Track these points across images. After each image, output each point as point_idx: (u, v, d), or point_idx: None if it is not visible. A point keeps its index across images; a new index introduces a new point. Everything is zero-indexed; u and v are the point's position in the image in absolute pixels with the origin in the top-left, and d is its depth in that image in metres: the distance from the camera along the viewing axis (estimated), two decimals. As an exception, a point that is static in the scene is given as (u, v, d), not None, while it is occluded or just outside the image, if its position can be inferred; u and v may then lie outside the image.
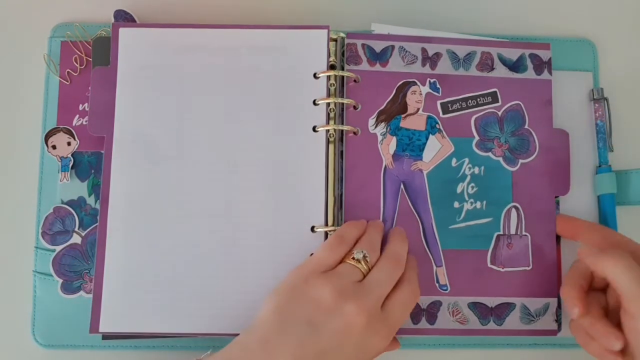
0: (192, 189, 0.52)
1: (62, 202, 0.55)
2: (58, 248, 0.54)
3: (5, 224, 0.56)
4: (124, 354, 0.54)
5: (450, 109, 0.55)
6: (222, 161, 0.53)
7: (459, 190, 0.54)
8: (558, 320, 0.53)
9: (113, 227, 0.52)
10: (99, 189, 0.53)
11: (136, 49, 0.54)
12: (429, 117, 0.55)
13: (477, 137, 0.55)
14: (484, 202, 0.54)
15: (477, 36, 0.56)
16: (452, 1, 0.60)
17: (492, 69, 0.55)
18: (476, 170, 0.54)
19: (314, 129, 0.53)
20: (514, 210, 0.54)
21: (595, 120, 0.57)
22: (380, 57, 0.55)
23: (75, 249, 0.54)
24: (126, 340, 0.53)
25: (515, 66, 0.55)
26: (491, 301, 0.53)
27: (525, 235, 0.54)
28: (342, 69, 0.54)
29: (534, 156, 0.55)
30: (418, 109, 0.54)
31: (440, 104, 0.55)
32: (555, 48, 0.57)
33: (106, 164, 0.52)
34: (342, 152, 0.54)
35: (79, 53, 0.56)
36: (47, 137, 0.55)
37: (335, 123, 0.53)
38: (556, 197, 0.55)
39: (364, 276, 0.47)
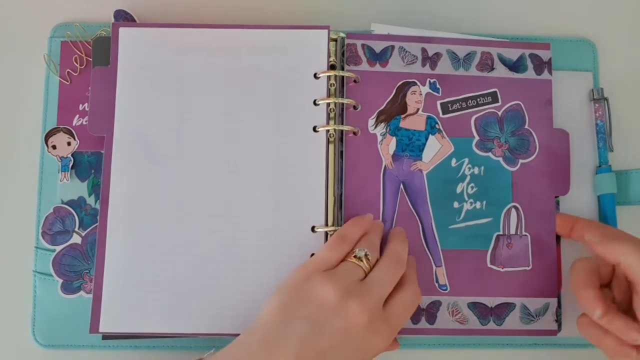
0: (192, 189, 0.52)
1: (62, 202, 0.55)
2: (58, 248, 0.54)
3: (5, 224, 0.56)
4: (124, 354, 0.54)
5: (450, 109, 0.55)
6: (222, 161, 0.53)
7: (458, 190, 0.54)
8: (558, 321, 0.53)
9: (113, 227, 0.52)
10: (99, 189, 0.53)
11: (136, 48, 0.54)
12: (428, 117, 0.55)
13: (477, 137, 0.55)
14: (484, 202, 0.54)
15: (477, 36, 0.57)
16: (452, 1, 0.60)
17: (492, 69, 0.55)
18: (476, 170, 0.54)
19: (314, 129, 0.53)
20: (513, 210, 0.54)
21: (595, 120, 0.57)
22: (380, 57, 0.55)
23: (75, 249, 0.54)
24: (126, 340, 0.53)
25: (516, 66, 0.55)
26: (491, 301, 0.53)
27: (525, 235, 0.54)
28: (342, 69, 0.54)
29: (534, 156, 0.55)
30: (418, 109, 0.55)
31: (440, 104, 0.55)
32: (555, 48, 0.57)
33: (106, 164, 0.52)
34: (341, 152, 0.54)
35: (79, 53, 0.56)
36: (47, 137, 0.55)
37: (335, 123, 0.53)
38: (556, 197, 0.55)
39: (366, 275, 0.47)
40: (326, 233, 0.52)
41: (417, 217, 0.53)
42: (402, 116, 0.54)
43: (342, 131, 0.54)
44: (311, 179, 0.52)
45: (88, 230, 0.54)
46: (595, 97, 0.57)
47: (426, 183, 0.54)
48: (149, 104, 0.53)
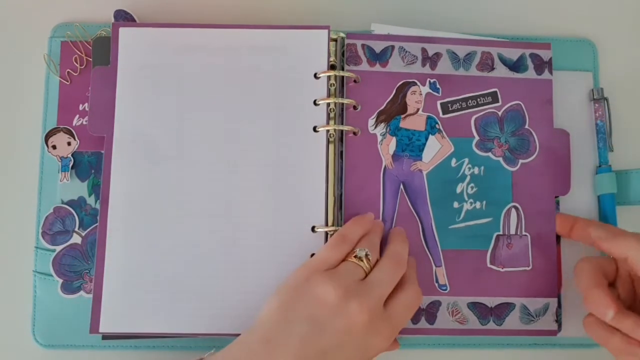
0: (192, 189, 0.52)
1: (62, 202, 0.55)
2: (58, 248, 0.54)
3: (5, 224, 0.56)
4: (124, 354, 0.54)
5: (450, 109, 0.55)
6: (222, 161, 0.52)
7: (458, 190, 0.54)
8: (558, 321, 0.53)
9: (113, 227, 0.52)
10: (99, 189, 0.53)
11: (136, 48, 0.54)
12: (428, 118, 0.55)
13: (477, 137, 0.55)
14: (484, 202, 0.54)
15: (477, 36, 0.56)
16: (452, 1, 0.60)
17: (493, 68, 0.55)
18: (476, 170, 0.54)
19: (314, 129, 0.53)
20: (513, 210, 0.54)
21: (595, 120, 0.57)
22: (380, 57, 0.55)
23: (75, 249, 0.54)
24: (126, 340, 0.53)
25: (516, 66, 0.55)
26: (491, 301, 0.53)
27: (525, 235, 0.54)
28: (342, 69, 0.54)
29: (534, 156, 0.55)
30: (418, 109, 0.55)
31: (440, 104, 0.55)
32: (556, 48, 0.56)
33: (106, 164, 0.52)
34: (341, 152, 0.54)
35: (79, 53, 0.56)
36: (47, 137, 0.55)
37: (335, 123, 0.53)
38: (556, 197, 0.55)
39: (366, 275, 0.47)
40: (326, 233, 0.52)
41: (417, 217, 0.53)
42: (402, 116, 0.54)
43: (342, 131, 0.53)
44: (311, 179, 0.52)
45: (88, 230, 0.54)
46: (595, 97, 0.57)
47: (426, 183, 0.54)
48: (149, 104, 0.53)
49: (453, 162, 0.54)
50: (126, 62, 0.54)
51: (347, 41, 0.55)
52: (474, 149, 0.54)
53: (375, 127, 0.54)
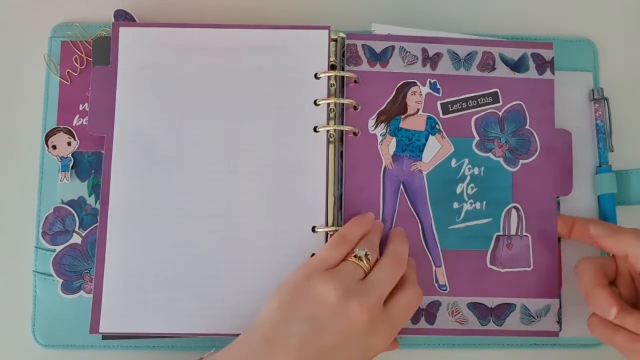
0: (192, 189, 0.52)
1: (62, 202, 0.55)
2: (58, 248, 0.54)
3: (5, 224, 0.56)
4: (124, 354, 0.54)
5: (450, 109, 0.54)
6: (223, 161, 0.52)
7: (458, 190, 0.54)
8: (559, 322, 0.53)
9: (113, 227, 0.51)
10: (99, 189, 0.52)
11: (136, 48, 0.54)
12: (428, 118, 0.54)
13: (477, 138, 0.54)
14: (484, 203, 0.54)
15: (478, 36, 0.56)
16: (452, 1, 0.60)
17: (493, 68, 0.55)
18: (476, 170, 0.54)
19: (314, 129, 0.53)
20: (514, 210, 0.54)
21: (595, 120, 0.57)
22: (380, 57, 0.55)
23: (76, 249, 0.54)
24: (126, 340, 0.53)
25: (517, 66, 0.55)
26: (491, 301, 0.53)
27: (526, 235, 0.53)
28: (342, 69, 0.54)
29: (535, 156, 0.54)
30: (418, 110, 0.54)
31: (441, 104, 0.54)
32: (556, 48, 0.56)
33: (106, 164, 0.52)
34: (342, 152, 0.53)
35: (79, 53, 0.56)
36: (47, 137, 0.55)
37: (335, 123, 0.53)
38: (557, 197, 0.55)
39: (366, 275, 0.47)
40: (326, 233, 0.52)
41: (416, 217, 0.53)
42: (402, 116, 0.54)
43: (342, 131, 0.53)
44: (312, 179, 0.52)
45: (88, 230, 0.54)
46: (595, 97, 0.57)
47: (426, 183, 0.54)
48: (149, 104, 0.53)
49: (453, 163, 0.54)
50: (126, 62, 0.54)
51: (347, 41, 0.55)
52: (474, 149, 0.54)
53: (376, 128, 0.54)
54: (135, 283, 0.51)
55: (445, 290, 0.53)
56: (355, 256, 0.48)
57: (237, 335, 0.47)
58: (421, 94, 0.54)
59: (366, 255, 0.48)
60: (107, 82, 0.53)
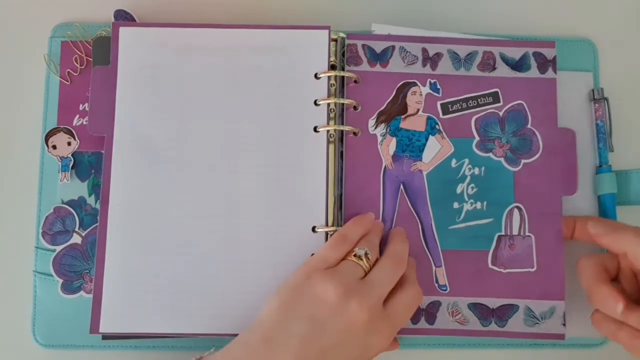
0: (192, 189, 0.52)
1: (63, 202, 0.54)
2: (58, 248, 0.54)
3: (5, 224, 0.56)
4: (124, 354, 0.54)
5: (450, 109, 0.54)
6: (223, 161, 0.52)
7: (458, 190, 0.53)
8: (565, 324, 0.52)
9: (113, 227, 0.51)
10: (99, 189, 0.52)
11: (136, 48, 0.53)
12: (428, 118, 0.54)
13: (477, 138, 0.54)
14: (485, 203, 0.53)
15: (478, 36, 0.56)
16: (452, 1, 0.59)
17: (494, 68, 0.55)
18: (476, 170, 0.54)
19: (314, 129, 0.53)
20: (516, 210, 0.53)
21: (595, 120, 0.57)
22: (380, 57, 0.54)
23: (76, 249, 0.54)
24: (126, 341, 0.53)
25: (518, 65, 0.55)
26: (492, 302, 0.52)
27: (529, 236, 0.53)
28: (342, 69, 0.54)
29: (537, 156, 0.54)
30: (418, 110, 0.54)
31: (441, 104, 0.54)
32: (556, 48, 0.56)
33: (106, 164, 0.52)
34: (342, 152, 0.53)
35: (79, 53, 0.56)
36: (48, 137, 0.55)
37: (335, 123, 0.53)
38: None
39: (366, 274, 0.47)
40: (326, 233, 0.51)
41: (416, 217, 0.53)
42: (402, 117, 0.54)
43: (342, 131, 0.53)
44: (312, 179, 0.52)
45: (88, 230, 0.54)
46: (595, 97, 0.56)
47: (426, 183, 0.53)
48: (149, 104, 0.53)
49: (453, 163, 0.54)
50: (126, 62, 0.53)
51: (347, 41, 0.54)
52: (474, 149, 0.54)
53: (376, 128, 0.54)
54: (135, 283, 0.51)
55: (446, 290, 0.52)
56: (355, 255, 0.48)
57: (237, 335, 0.46)
58: (421, 94, 0.54)
59: (366, 254, 0.48)
60: (107, 82, 0.53)
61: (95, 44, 0.55)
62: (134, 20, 0.56)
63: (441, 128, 0.54)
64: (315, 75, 0.53)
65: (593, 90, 0.57)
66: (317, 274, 0.46)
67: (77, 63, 0.56)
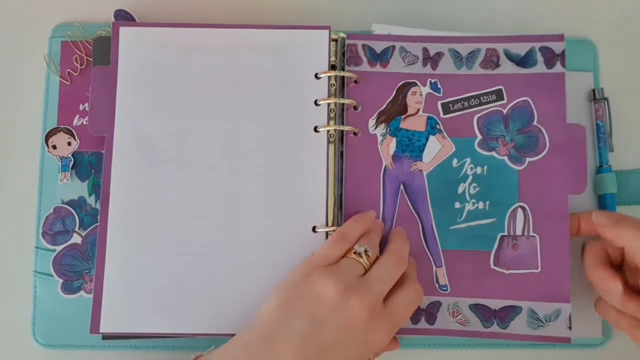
0: (192, 189, 0.51)
1: (63, 202, 0.54)
2: (58, 248, 0.53)
3: (5, 224, 0.55)
4: (124, 354, 0.53)
5: (451, 109, 0.53)
6: (223, 161, 0.52)
7: (460, 190, 0.52)
8: (571, 327, 0.51)
9: (113, 227, 0.51)
10: (99, 189, 0.52)
11: (137, 48, 0.53)
12: (429, 118, 0.53)
13: (479, 137, 0.53)
14: (487, 203, 0.52)
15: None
16: (453, 2, 0.59)
17: (498, 65, 0.53)
18: (478, 170, 0.52)
19: (315, 129, 0.52)
20: (520, 210, 0.52)
21: (596, 120, 0.56)
22: (380, 57, 0.54)
23: (76, 249, 0.53)
24: (126, 341, 0.53)
25: (524, 61, 0.53)
26: (494, 303, 0.51)
27: (533, 236, 0.51)
28: (343, 69, 0.53)
29: (543, 153, 0.52)
30: (418, 110, 0.53)
31: (441, 104, 0.53)
32: (556, 48, 0.55)
33: (106, 164, 0.51)
34: (342, 152, 0.52)
35: (79, 53, 0.55)
36: (48, 137, 0.55)
37: (335, 123, 0.52)
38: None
39: (366, 271, 0.46)
40: (326, 233, 0.51)
41: (417, 217, 0.52)
42: (403, 117, 0.53)
43: (342, 131, 0.52)
44: (312, 179, 0.51)
45: (88, 230, 0.54)
46: (595, 97, 0.56)
47: (426, 183, 0.52)
48: (149, 104, 0.52)
49: (454, 162, 0.53)
50: (126, 62, 0.53)
51: (347, 41, 0.53)
52: (477, 148, 0.53)
53: (376, 128, 0.53)
54: (135, 283, 0.50)
55: (446, 290, 0.51)
56: (355, 253, 0.47)
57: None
58: (421, 94, 0.53)
59: (366, 251, 0.47)
60: (107, 82, 0.53)
61: (95, 44, 0.55)
62: (134, 20, 0.56)
63: (442, 128, 0.53)
64: (316, 75, 0.53)
65: (593, 90, 0.56)
66: (317, 271, 0.46)
67: (77, 63, 0.55)
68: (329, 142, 0.52)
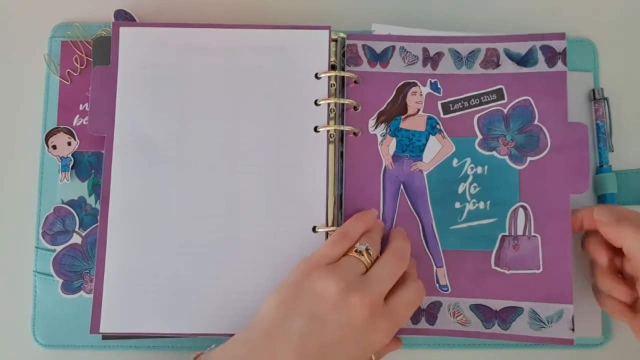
0: (192, 189, 0.51)
1: (63, 202, 0.53)
2: (58, 248, 0.53)
3: (5, 224, 0.55)
4: (124, 354, 0.53)
5: (451, 108, 0.52)
6: (223, 161, 0.51)
7: (460, 190, 0.51)
8: (574, 329, 0.49)
9: (113, 227, 0.50)
10: (99, 189, 0.51)
11: (137, 48, 0.52)
12: (429, 118, 0.52)
13: (480, 136, 0.52)
14: (488, 202, 0.51)
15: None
16: (452, 2, 0.58)
17: (498, 65, 0.52)
18: (479, 169, 0.51)
19: (315, 129, 0.51)
20: (521, 210, 0.51)
21: (595, 120, 0.55)
22: (380, 57, 0.53)
23: (76, 249, 0.53)
24: (126, 341, 0.52)
25: (524, 60, 0.52)
26: (495, 304, 0.50)
27: (535, 236, 0.50)
28: (343, 69, 0.53)
29: (544, 153, 0.51)
30: (418, 110, 0.52)
31: (441, 104, 0.52)
32: (556, 48, 0.55)
33: (106, 164, 0.51)
34: (342, 152, 0.52)
35: (79, 53, 0.55)
36: (48, 137, 0.54)
37: (335, 123, 0.52)
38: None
39: (367, 270, 0.46)
40: (327, 233, 0.50)
41: (417, 217, 0.51)
42: (403, 117, 0.53)
43: (342, 131, 0.52)
44: (312, 179, 0.51)
45: (88, 230, 0.53)
46: (595, 97, 0.55)
47: (426, 183, 0.52)
48: (149, 104, 0.52)
49: (455, 162, 0.52)
50: (126, 62, 0.52)
51: (347, 42, 0.53)
52: (477, 148, 0.52)
53: (376, 128, 0.53)
54: (135, 283, 0.50)
55: (447, 290, 0.50)
56: (355, 251, 0.46)
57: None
58: (421, 94, 0.53)
59: (367, 249, 0.46)
60: (107, 82, 0.52)
61: (95, 44, 0.54)
62: (134, 20, 0.55)
63: (442, 128, 0.52)
64: (316, 76, 0.52)
65: (593, 90, 0.55)
66: (317, 270, 0.45)
67: (77, 63, 0.55)
68: (329, 142, 0.51)
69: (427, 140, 0.52)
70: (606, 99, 0.55)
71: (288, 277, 0.46)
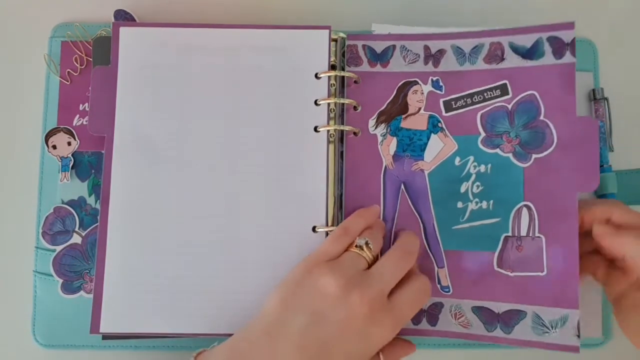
0: (192, 189, 0.49)
1: (63, 202, 0.52)
2: (58, 248, 0.52)
3: (5, 224, 0.54)
4: (124, 354, 0.52)
5: (453, 106, 0.50)
6: (223, 161, 0.50)
7: (462, 189, 0.49)
8: (580, 335, 0.46)
9: (113, 227, 0.49)
10: (99, 189, 0.50)
11: (137, 48, 0.51)
12: (430, 116, 0.50)
13: (483, 134, 0.49)
14: (491, 202, 0.49)
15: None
16: (452, 2, 0.57)
17: (502, 59, 0.50)
18: (482, 168, 0.49)
19: (315, 129, 0.50)
20: (525, 209, 0.48)
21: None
22: (381, 57, 0.51)
23: (76, 249, 0.52)
24: (126, 341, 0.52)
25: (530, 53, 0.49)
26: (497, 306, 0.47)
27: (539, 237, 0.48)
28: (343, 69, 0.51)
29: (550, 149, 0.48)
30: (419, 109, 0.51)
31: (443, 102, 0.50)
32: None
33: (106, 164, 0.50)
34: (342, 152, 0.50)
35: (79, 53, 0.54)
36: (48, 137, 0.53)
37: (335, 123, 0.50)
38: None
39: (369, 265, 0.44)
40: (327, 233, 0.48)
41: (418, 217, 0.49)
42: (403, 116, 0.51)
43: (342, 131, 0.50)
44: (312, 179, 0.49)
45: (88, 230, 0.52)
46: (595, 97, 0.53)
47: (428, 183, 0.50)
48: (149, 104, 0.50)
49: (457, 161, 0.50)
50: (126, 62, 0.51)
51: (347, 42, 0.51)
52: (480, 146, 0.49)
53: (376, 128, 0.51)
54: (135, 283, 0.48)
55: (448, 291, 0.48)
56: (355, 246, 0.45)
57: (238, 333, 0.44)
58: (422, 93, 0.51)
59: (366, 243, 0.45)
60: (107, 82, 0.50)
61: (95, 44, 0.53)
62: (134, 20, 0.54)
63: (444, 126, 0.50)
64: (316, 75, 0.50)
65: (593, 90, 0.54)
66: (318, 267, 0.44)
67: (77, 63, 0.54)
68: (329, 142, 0.50)
69: (428, 139, 0.51)
70: (606, 99, 0.54)
71: (289, 275, 0.45)
